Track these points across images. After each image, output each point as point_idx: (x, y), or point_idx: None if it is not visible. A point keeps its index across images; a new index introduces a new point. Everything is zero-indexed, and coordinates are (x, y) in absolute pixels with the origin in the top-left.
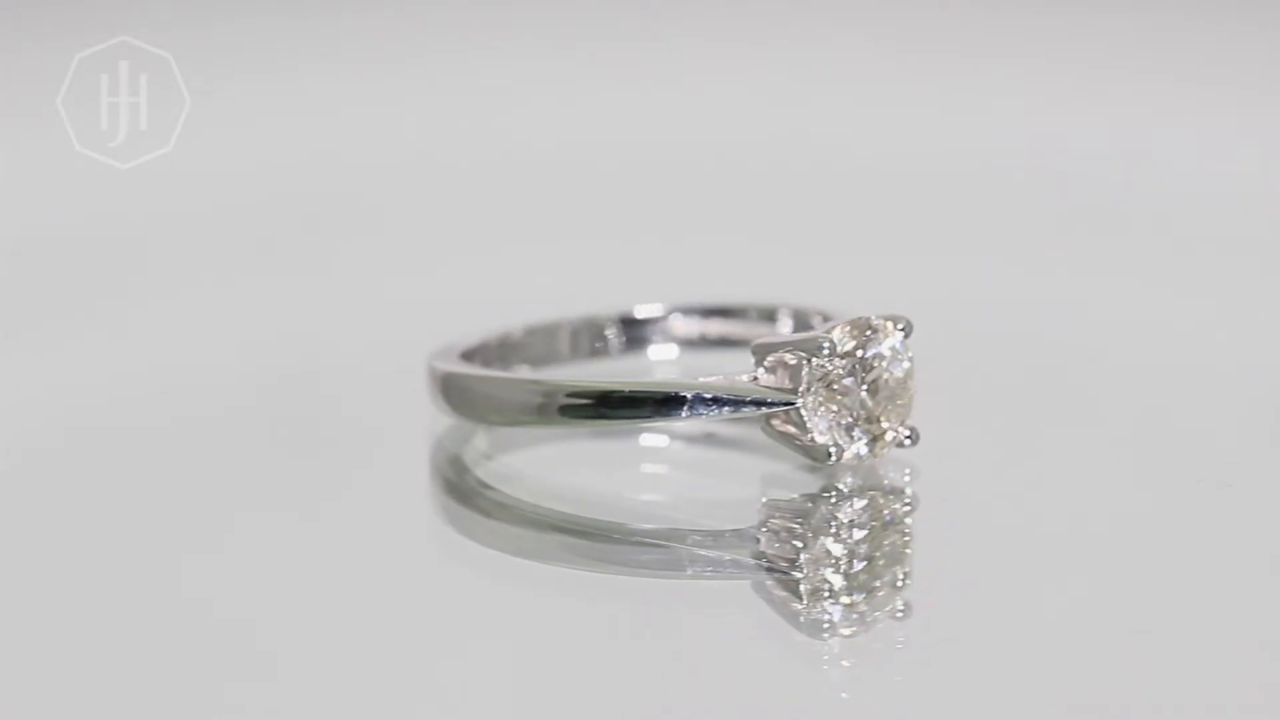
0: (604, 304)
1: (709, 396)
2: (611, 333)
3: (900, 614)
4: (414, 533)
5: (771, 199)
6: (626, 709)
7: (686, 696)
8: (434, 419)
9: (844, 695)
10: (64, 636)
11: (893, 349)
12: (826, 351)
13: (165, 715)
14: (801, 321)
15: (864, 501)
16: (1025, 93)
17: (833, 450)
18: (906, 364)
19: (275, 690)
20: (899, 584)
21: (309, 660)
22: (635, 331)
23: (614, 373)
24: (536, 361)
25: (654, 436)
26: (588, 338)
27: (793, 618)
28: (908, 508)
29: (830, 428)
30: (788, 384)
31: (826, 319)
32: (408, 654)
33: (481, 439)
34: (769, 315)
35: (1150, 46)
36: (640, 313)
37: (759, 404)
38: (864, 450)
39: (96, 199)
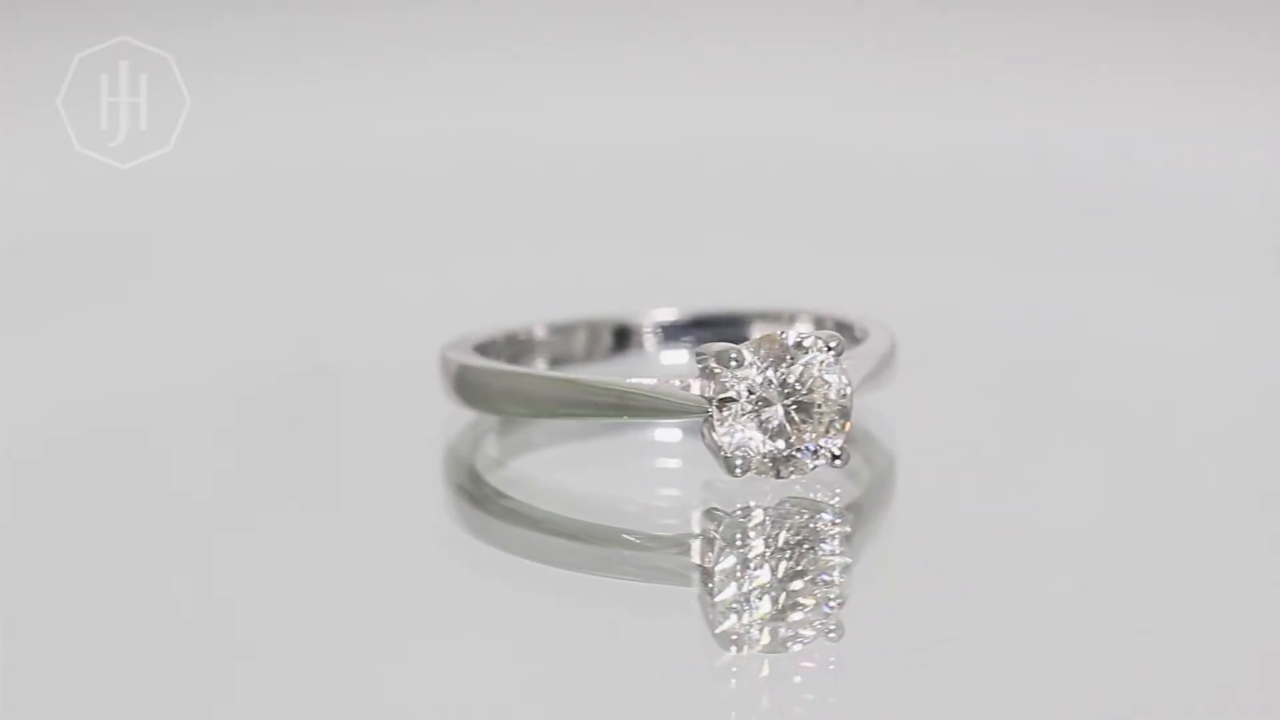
0: (595, 306)
1: (632, 397)
2: (650, 335)
3: (833, 634)
4: (428, 538)
5: (772, 201)
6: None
7: (594, 698)
8: (440, 422)
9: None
10: (65, 638)
11: (822, 367)
12: (734, 363)
13: (172, 716)
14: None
15: (795, 519)
16: (1023, 95)
17: (739, 465)
18: (839, 383)
19: (278, 692)
20: (830, 604)
21: (311, 660)
22: (671, 335)
23: (596, 373)
24: (552, 359)
25: (666, 431)
26: (607, 338)
27: (710, 628)
28: (840, 527)
29: (742, 442)
30: (710, 393)
31: (852, 328)
32: (400, 655)
33: (493, 445)
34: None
35: (1143, 49)
36: (669, 317)
37: (670, 411)
38: (781, 467)
39: (96, 199)
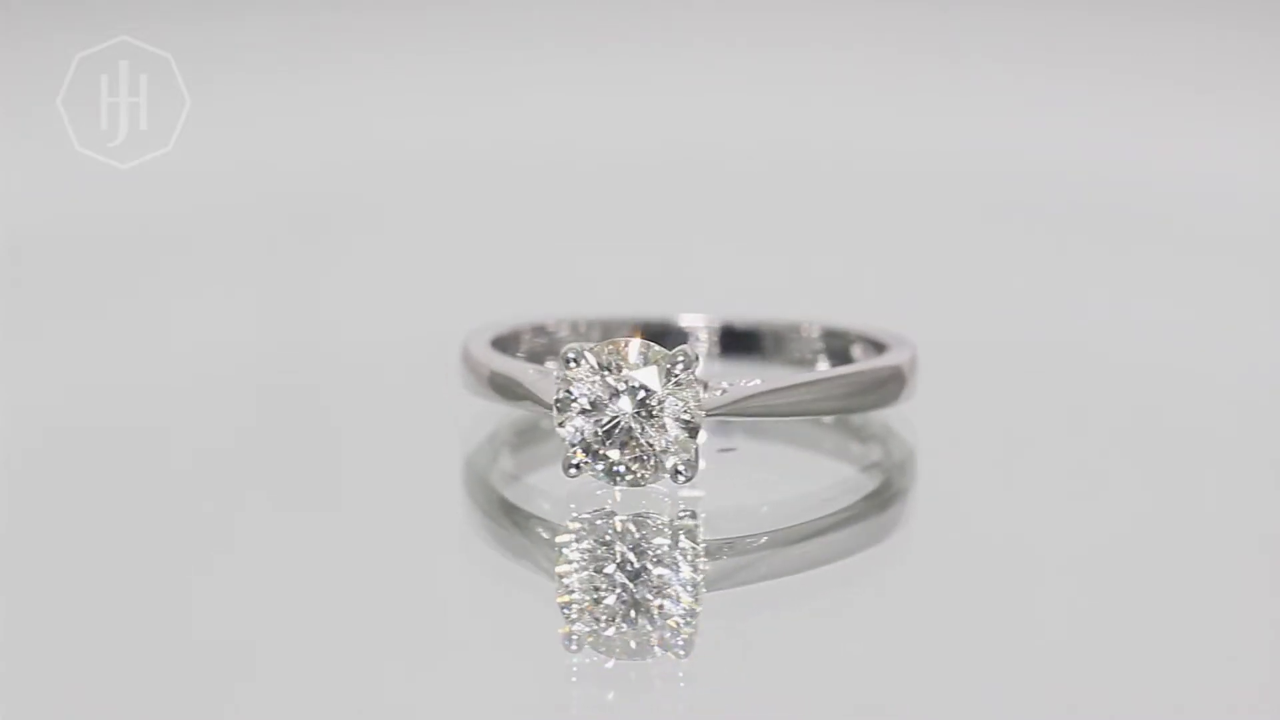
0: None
1: (502, 380)
2: (703, 339)
3: (680, 651)
4: (431, 541)
5: (772, 203)
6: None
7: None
8: (445, 424)
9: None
10: (68, 641)
11: (668, 381)
12: (571, 363)
13: None
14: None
15: (662, 530)
16: (1025, 98)
17: (572, 465)
18: (686, 399)
19: (279, 695)
20: (678, 619)
21: (310, 660)
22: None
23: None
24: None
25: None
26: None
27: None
28: (689, 541)
29: (578, 442)
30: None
31: (875, 342)
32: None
33: (507, 459)
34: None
35: (1143, 50)
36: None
37: (529, 399)
38: (616, 475)
39: (96, 199)
